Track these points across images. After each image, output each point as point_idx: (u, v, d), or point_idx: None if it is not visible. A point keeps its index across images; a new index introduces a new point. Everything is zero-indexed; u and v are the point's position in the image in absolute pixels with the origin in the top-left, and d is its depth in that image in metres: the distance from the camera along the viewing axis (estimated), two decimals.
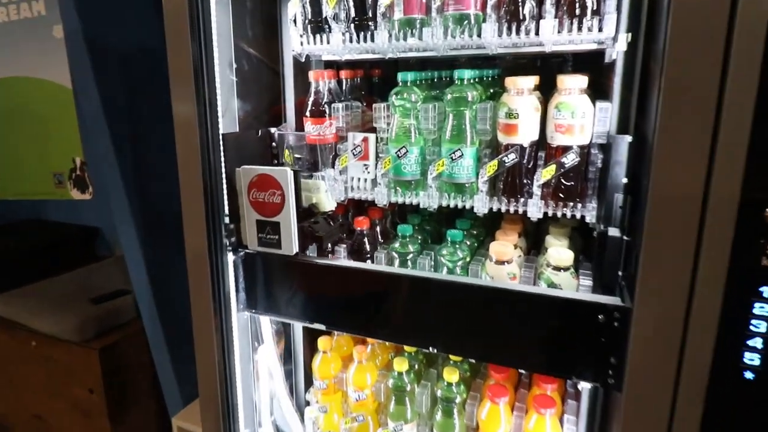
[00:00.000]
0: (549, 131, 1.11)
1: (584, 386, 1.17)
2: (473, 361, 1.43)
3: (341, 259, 1.36)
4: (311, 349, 1.67)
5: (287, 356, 1.64)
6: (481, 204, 1.17)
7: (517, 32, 1.08)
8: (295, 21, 1.32)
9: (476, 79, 1.22)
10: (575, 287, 1.11)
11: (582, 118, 1.06)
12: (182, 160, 1.27)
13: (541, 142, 1.14)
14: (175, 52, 1.21)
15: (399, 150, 1.23)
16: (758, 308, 0.83)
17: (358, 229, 1.39)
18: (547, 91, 1.19)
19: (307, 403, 1.62)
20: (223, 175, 1.29)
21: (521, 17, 1.08)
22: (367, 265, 1.30)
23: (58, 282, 2.75)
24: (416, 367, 1.45)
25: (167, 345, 2.26)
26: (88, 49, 1.97)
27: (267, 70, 1.45)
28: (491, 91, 1.34)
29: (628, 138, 1.00)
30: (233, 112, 1.35)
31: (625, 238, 1.01)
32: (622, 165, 1.01)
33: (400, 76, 1.24)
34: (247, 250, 1.31)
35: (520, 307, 1.06)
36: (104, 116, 2.04)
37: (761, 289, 0.82)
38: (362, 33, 1.22)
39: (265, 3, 1.40)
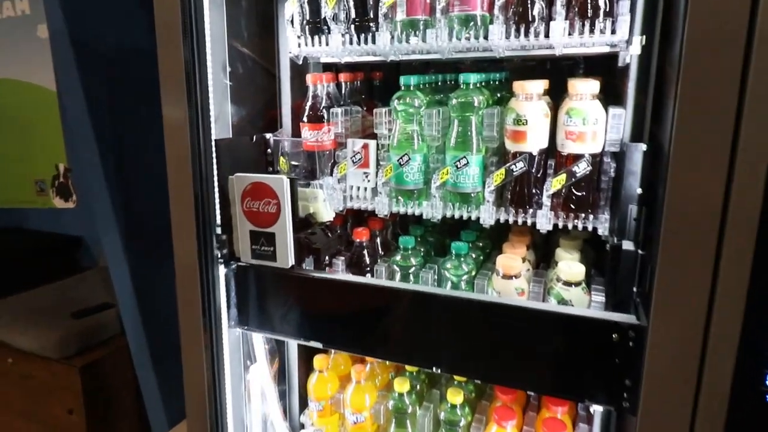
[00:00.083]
0: (559, 138, 1.11)
1: (597, 409, 1.16)
2: (479, 381, 1.42)
3: (339, 272, 1.36)
4: (306, 368, 1.66)
5: (281, 376, 1.63)
6: (487, 215, 1.17)
7: (526, 34, 1.09)
8: (292, 22, 1.34)
9: (482, 83, 1.23)
10: (587, 304, 1.11)
11: (594, 125, 1.06)
12: (172, 167, 1.28)
13: (551, 150, 1.15)
14: (165, 53, 1.22)
15: (401, 157, 1.24)
16: None
17: (358, 240, 1.40)
18: (557, 95, 1.20)
19: (302, 426, 1.61)
20: (215, 183, 1.29)
21: (530, 19, 1.09)
22: (367, 279, 1.30)
23: (37, 295, 2.75)
24: (418, 387, 1.44)
25: (153, 363, 2.25)
26: (73, 50, 1.99)
27: (262, 73, 1.46)
28: (498, 95, 1.34)
29: (643, 146, 1.00)
30: (226, 117, 1.36)
31: (639, 252, 1.01)
32: (637, 175, 1.01)
33: (402, 79, 1.25)
34: (239, 263, 1.31)
35: (528, 324, 1.05)
36: (89, 119, 2.04)
37: None
38: (363, 34, 1.24)
39: (261, 3, 1.41)
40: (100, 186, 2.12)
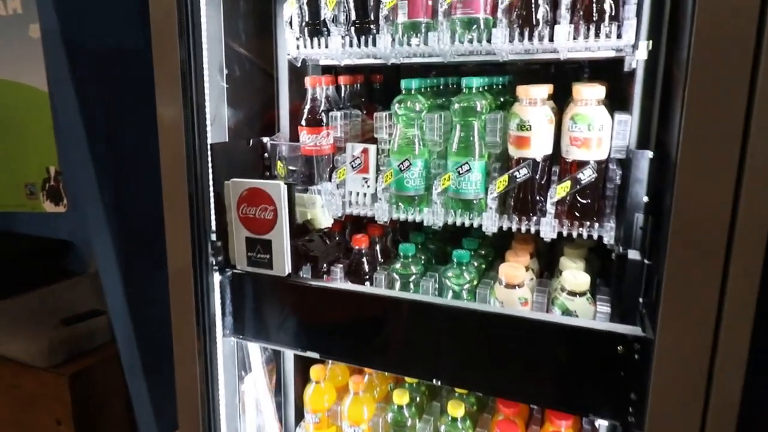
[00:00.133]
0: (564, 145, 1.12)
1: (602, 424, 1.16)
2: (480, 394, 1.42)
3: (337, 281, 1.36)
4: (303, 378, 1.66)
5: (276, 386, 1.63)
6: (490, 222, 1.17)
7: (530, 38, 1.09)
8: (290, 23, 1.34)
9: (485, 87, 1.24)
10: (592, 314, 1.11)
11: (599, 131, 1.07)
12: (166, 171, 1.28)
13: (555, 157, 1.16)
14: (161, 54, 1.23)
15: (402, 163, 1.24)
16: None
17: (357, 247, 1.40)
18: (561, 99, 1.21)
19: None
20: (211, 188, 1.29)
21: (534, 22, 1.10)
22: (366, 288, 1.30)
23: (25, 301, 2.74)
24: (418, 399, 1.44)
25: (144, 372, 2.24)
26: (65, 50, 1.99)
27: (260, 75, 1.47)
28: (501, 99, 1.35)
29: (650, 153, 1.01)
30: (223, 120, 1.36)
31: (646, 261, 1.02)
32: (643, 182, 1.02)
33: (403, 83, 1.25)
34: (235, 270, 1.31)
35: (532, 336, 1.05)
36: (81, 121, 2.05)
37: None
38: (363, 36, 1.24)
39: (259, 4, 1.42)
40: (91, 189, 2.12)
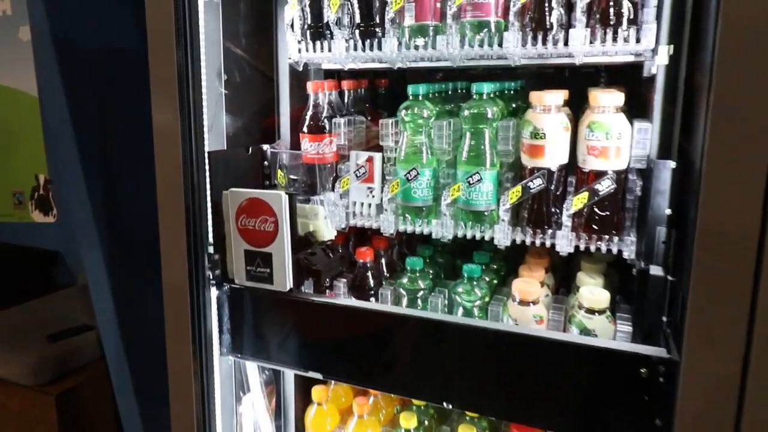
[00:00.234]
0: (580, 154, 1.12)
1: None
2: (493, 418, 1.40)
3: (341, 296, 1.36)
4: (304, 399, 1.64)
5: (276, 408, 1.62)
6: (502, 235, 1.17)
7: (544, 42, 1.09)
8: (292, 26, 1.35)
9: (496, 93, 1.24)
10: (612, 334, 1.10)
11: (618, 140, 1.06)
12: (161, 180, 1.28)
13: (572, 166, 1.15)
14: (157, 58, 1.24)
15: (409, 172, 1.24)
16: None
17: (361, 261, 1.39)
18: (577, 105, 1.21)
19: None
20: (208, 198, 1.29)
21: (548, 26, 1.10)
22: (371, 305, 1.30)
23: (8, 315, 2.73)
24: (426, 423, 1.43)
25: (135, 391, 2.22)
26: (56, 53, 2.00)
27: (259, 80, 1.47)
28: (513, 105, 1.35)
29: (672, 163, 1.00)
30: (221, 127, 1.36)
31: (669, 278, 1.01)
32: (665, 194, 1.01)
33: (410, 88, 1.25)
34: (233, 285, 1.31)
35: (548, 356, 1.04)
36: (72, 126, 2.05)
37: None
38: (368, 40, 1.25)
39: (259, 6, 1.43)
40: (81, 197, 2.12)
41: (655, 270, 1.02)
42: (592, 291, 1.15)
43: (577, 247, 1.12)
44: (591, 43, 1.06)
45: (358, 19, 1.28)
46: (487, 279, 1.34)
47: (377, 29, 1.27)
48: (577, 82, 1.24)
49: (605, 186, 1.08)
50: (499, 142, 1.18)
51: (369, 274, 1.39)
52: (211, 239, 1.32)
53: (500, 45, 1.12)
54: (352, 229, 1.44)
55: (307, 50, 1.33)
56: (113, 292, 2.18)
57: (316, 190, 1.38)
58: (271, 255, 1.24)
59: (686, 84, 1.03)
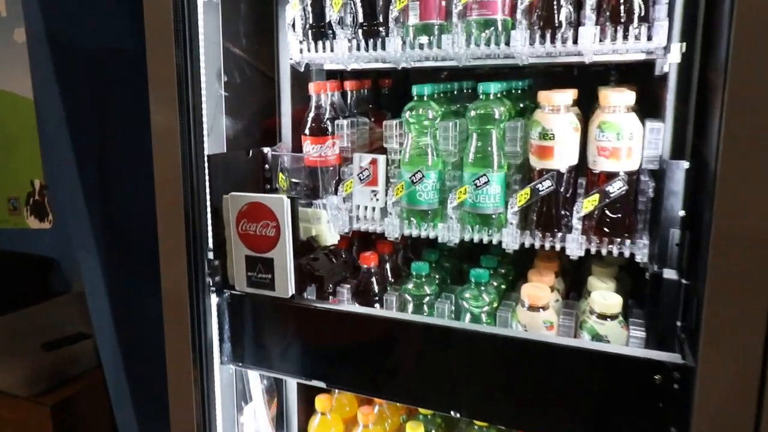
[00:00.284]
0: (590, 155, 1.11)
1: None
2: (503, 427, 1.40)
3: (345, 302, 1.35)
4: (307, 409, 1.64)
5: (279, 418, 1.61)
6: (510, 239, 1.16)
7: (552, 41, 1.09)
8: (293, 26, 1.35)
9: (503, 93, 1.24)
10: (625, 339, 1.10)
11: (629, 140, 1.06)
12: (160, 184, 1.28)
13: (581, 168, 1.15)
14: (155, 59, 1.24)
15: (414, 174, 1.24)
16: None
17: (365, 266, 1.39)
18: (586, 105, 1.21)
19: None
20: (208, 203, 1.29)
21: (557, 24, 1.10)
22: (376, 311, 1.29)
23: (3, 323, 2.73)
24: None
25: (133, 401, 2.22)
26: (52, 55, 2.01)
27: (260, 81, 1.47)
28: (520, 105, 1.35)
29: (685, 163, 1.00)
30: (220, 129, 1.36)
31: (683, 281, 1.00)
32: (678, 195, 1.01)
33: (415, 89, 1.25)
34: (233, 292, 1.30)
35: (559, 363, 1.04)
36: (67, 128, 2.05)
37: None
38: (371, 39, 1.25)
39: (259, 6, 1.43)
40: (77, 202, 2.12)
41: (669, 273, 1.01)
42: (604, 296, 1.14)
43: (587, 251, 1.12)
44: (601, 41, 1.06)
45: (361, 19, 1.28)
46: (495, 284, 1.34)
47: (381, 28, 1.27)
48: (587, 81, 1.24)
49: (616, 188, 1.07)
50: (507, 144, 1.18)
51: (373, 279, 1.39)
52: (210, 245, 1.32)
53: (507, 44, 1.13)
54: (356, 234, 1.44)
55: (308, 50, 1.33)
56: (110, 299, 2.18)
57: (319, 194, 1.38)
58: (272, 260, 1.24)
59: (699, 82, 1.03)
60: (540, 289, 1.20)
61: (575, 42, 1.08)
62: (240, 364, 1.34)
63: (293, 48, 1.35)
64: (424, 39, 1.20)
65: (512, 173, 1.21)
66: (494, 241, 1.20)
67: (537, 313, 1.18)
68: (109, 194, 2.17)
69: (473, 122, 1.20)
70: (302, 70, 1.41)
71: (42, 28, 2.03)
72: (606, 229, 1.10)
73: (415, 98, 1.26)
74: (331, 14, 1.29)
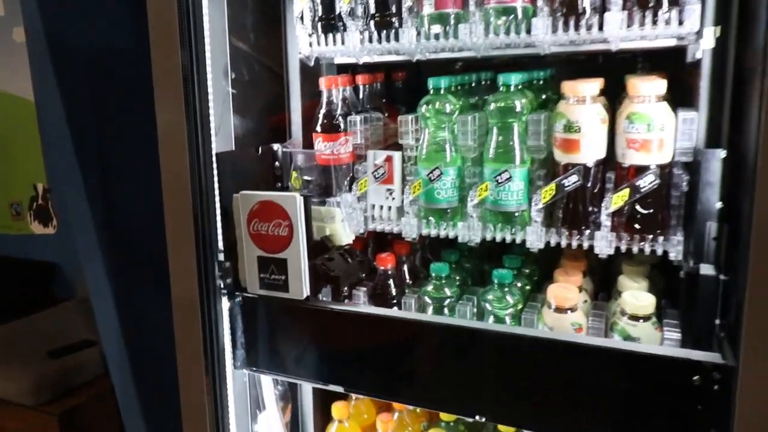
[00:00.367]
0: (619, 147, 1.09)
1: None
2: None
3: (361, 304, 1.34)
4: (323, 416, 1.63)
5: (293, 425, 1.61)
6: (534, 237, 1.14)
7: (576, 28, 1.07)
8: (302, 19, 1.34)
9: (524, 84, 1.22)
10: (658, 341, 1.08)
11: (661, 132, 1.04)
12: (167, 184, 1.27)
13: (610, 161, 1.13)
14: (160, 57, 1.23)
15: (431, 171, 1.22)
16: None
17: (382, 268, 1.37)
18: (612, 94, 1.18)
19: None
20: (217, 203, 1.29)
21: (580, 10, 1.08)
22: (395, 312, 1.28)
23: (7, 331, 2.75)
24: None
25: (142, 409, 2.22)
26: (52, 54, 2.01)
27: (268, 77, 1.46)
28: (543, 96, 1.33)
29: (722, 152, 0.98)
30: (228, 126, 1.36)
31: (721, 277, 0.98)
32: (715, 186, 0.99)
33: (431, 81, 1.24)
34: (246, 294, 1.30)
35: (590, 364, 1.02)
36: (69, 130, 2.06)
37: None
38: (384, 31, 1.23)
39: None
40: (81, 206, 2.12)
41: (706, 269, 0.99)
42: (636, 296, 1.12)
43: (617, 249, 1.10)
44: (628, 27, 1.04)
45: (372, 10, 1.27)
46: (519, 285, 1.32)
47: (393, 19, 1.25)
48: (613, 70, 1.21)
49: (648, 182, 1.05)
50: (530, 137, 1.16)
51: (390, 282, 1.37)
52: (221, 246, 1.31)
53: (528, 32, 1.11)
54: (372, 234, 1.43)
55: (318, 44, 1.32)
56: (116, 304, 2.18)
57: (332, 192, 1.37)
58: (285, 261, 1.23)
59: (735, 69, 1.01)
60: (567, 289, 1.18)
61: (601, 29, 1.05)
62: (254, 369, 1.34)
63: (302, 42, 1.34)
64: (439, 29, 1.18)
65: (535, 168, 1.19)
66: (518, 240, 1.18)
67: (564, 315, 1.16)
68: (113, 196, 2.18)
69: (493, 115, 1.18)
70: (312, 64, 1.39)
71: (41, 27, 2.03)
72: (637, 226, 1.08)
73: (432, 91, 1.24)
74: (342, 5, 1.28)
